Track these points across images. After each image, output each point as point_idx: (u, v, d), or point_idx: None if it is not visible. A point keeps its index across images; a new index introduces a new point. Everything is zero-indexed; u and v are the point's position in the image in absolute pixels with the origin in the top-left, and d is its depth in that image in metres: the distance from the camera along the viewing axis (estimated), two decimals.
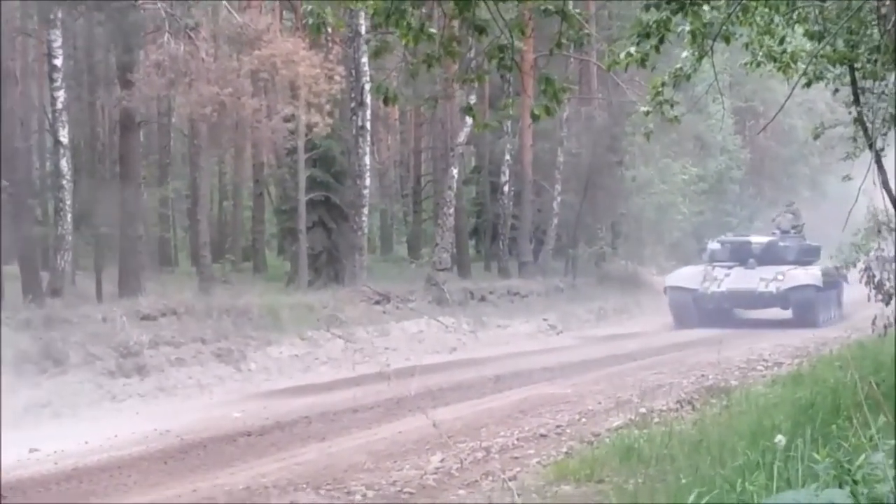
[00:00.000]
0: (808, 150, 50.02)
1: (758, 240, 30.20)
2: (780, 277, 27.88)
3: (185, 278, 28.21)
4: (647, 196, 36.82)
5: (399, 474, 10.13)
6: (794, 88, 11.54)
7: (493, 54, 7.10)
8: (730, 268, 28.71)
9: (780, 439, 5.44)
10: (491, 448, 11.25)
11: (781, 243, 29.93)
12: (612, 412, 13.24)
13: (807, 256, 29.91)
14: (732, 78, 38.04)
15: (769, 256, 29.21)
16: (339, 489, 9.58)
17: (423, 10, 6.97)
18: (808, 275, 27.96)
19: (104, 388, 16.23)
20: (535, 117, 7.56)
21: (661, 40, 8.05)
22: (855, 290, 22.37)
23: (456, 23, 7.20)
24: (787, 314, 28.29)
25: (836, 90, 12.57)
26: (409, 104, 36.93)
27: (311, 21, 7.41)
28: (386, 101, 7.60)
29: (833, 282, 28.80)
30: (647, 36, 8.03)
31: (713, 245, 30.52)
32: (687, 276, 29.13)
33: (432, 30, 7.01)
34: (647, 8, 8.18)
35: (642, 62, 8.41)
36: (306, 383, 17.94)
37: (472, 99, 27.78)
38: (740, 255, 29.26)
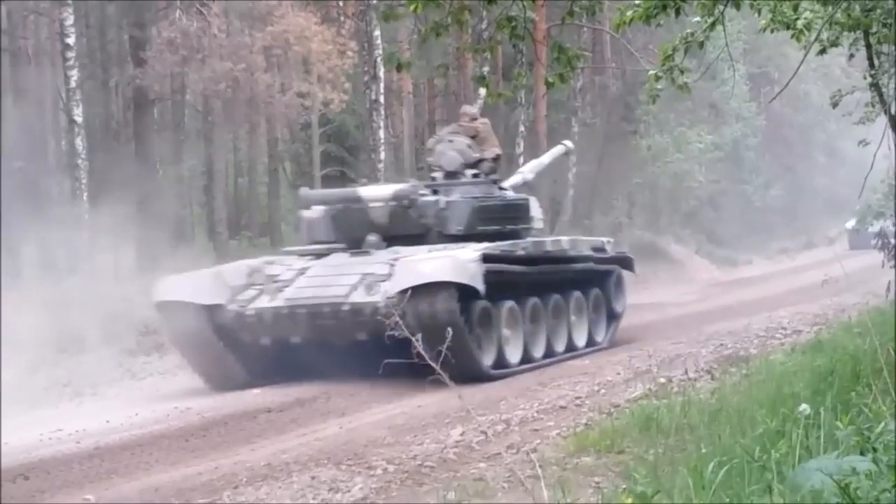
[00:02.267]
0: (823, 115, 49.77)
1: (377, 194, 15.77)
2: (391, 271, 14.15)
3: (202, 255, 28.25)
4: (662, 165, 36.67)
5: (419, 448, 10.15)
6: (806, 55, 11.45)
7: (504, 24, 7.06)
8: (319, 256, 15.39)
9: (804, 408, 5.45)
10: (511, 421, 11.25)
11: (434, 198, 15.78)
12: (631, 383, 13.21)
13: (497, 223, 16.06)
14: (747, 45, 37.83)
15: (407, 225, 15.47)
16: (359, 464, 9.60)
17: None
18: (442, 263, 13.80)
19: (124, 366, 16.33)
20: (549, 85, 7.54)
21: (678, 12, 7.99)
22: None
23: None
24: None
25: (852, 55, 12.49)
26: (421, 74, 36.78)
27: None
28: (399, 68, 7.59)
29: (582, 273, 17.41)
30: (664, 8, 7.97)
31: (307, 212, 16.29)
32: (204, 281, 14.65)
33: None
34: None
35: (647, 19, 8.35)
36: None
37: (486, 69, 27.65)
38: (351, 228, 15.60)
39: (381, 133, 29.23)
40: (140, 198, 25.47)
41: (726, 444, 6.86)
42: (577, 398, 12.53)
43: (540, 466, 8.38)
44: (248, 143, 38.83)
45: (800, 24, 9.81)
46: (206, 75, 23.92)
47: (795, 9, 9.87)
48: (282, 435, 11.41)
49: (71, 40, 23.37)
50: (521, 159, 34.41)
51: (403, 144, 47.69)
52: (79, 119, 23.81)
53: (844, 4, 9.49)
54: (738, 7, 8.82)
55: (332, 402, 13.35)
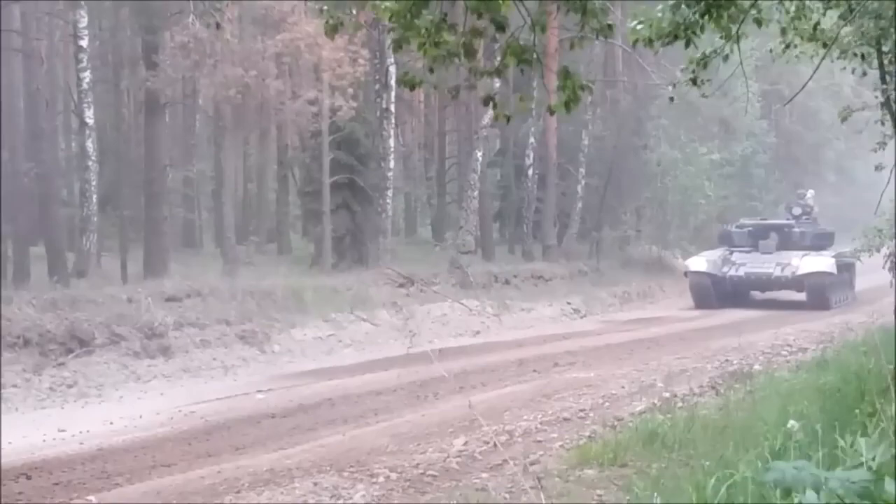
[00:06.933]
0: (833, 134, 49.73)
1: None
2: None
3: (209, 260, 28.32)
4: (671, 179, 36.61)
5: (422, 457, 10.15)
6: (820, 63, 11.39)
7: (515, 51, 7.01)
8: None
9: (792, 424, 5.44)
10: (514, 432, 11.25)
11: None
12: (636, 396, 13.22)
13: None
14: (759, 61, 37.79)
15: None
16: (362, 471, 9.60)
17: (441, 9, 6.85)
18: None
19: (129, 368, 16.31)
20: (551, 112, 7.53)
21: (688, 44, 7.95)
22: None
23: (474, 20, 7.09)
24: None
25: (864, 73, 12.45)
26: (435, 90, 36.83)
27: (328, 21, 7.34)
28: (412, 87, 7.59)
29: None
30: (676, 37, 7.93)
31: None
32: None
33: (448, 37, 6.88)
34: (674, 10, 8.03)
35: (650, 43, 8.30)
36: (330, 366, 17.97)
37: (497, 84, 27.60)
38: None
39: (391, 142, 29.30)
40: (149, 201, 25.55)
41: (730, 460, 6.84)
42: (581, 410, 12.53)
43: (542, 478, 8.39)
44: (258, 149, 38.92)
45: (823, 36, 9.75)
46: (217, 80, 23.98)
47: (815, 26, 9.81)
48: (285, 440, 11.41)
49: (84, 42, 23.47)
50: (531, 171, 34.51)
51: (413, 154, 47.84)
52: (90, 121, 23.90)
53: (860, 14, 9.46)
54: (760, 25, 8.77)
55: (336, 408, 13.36)
